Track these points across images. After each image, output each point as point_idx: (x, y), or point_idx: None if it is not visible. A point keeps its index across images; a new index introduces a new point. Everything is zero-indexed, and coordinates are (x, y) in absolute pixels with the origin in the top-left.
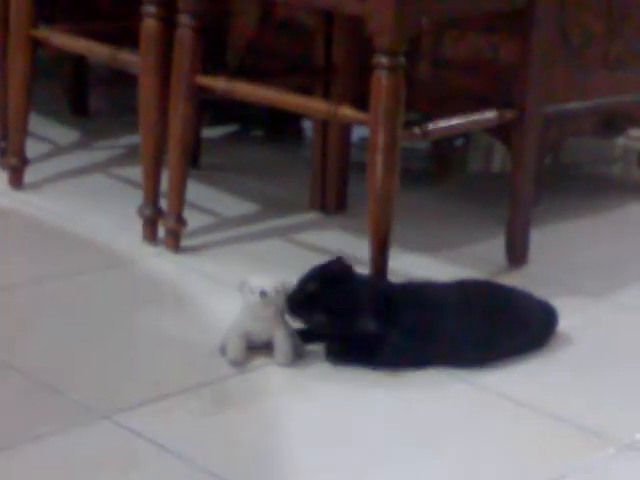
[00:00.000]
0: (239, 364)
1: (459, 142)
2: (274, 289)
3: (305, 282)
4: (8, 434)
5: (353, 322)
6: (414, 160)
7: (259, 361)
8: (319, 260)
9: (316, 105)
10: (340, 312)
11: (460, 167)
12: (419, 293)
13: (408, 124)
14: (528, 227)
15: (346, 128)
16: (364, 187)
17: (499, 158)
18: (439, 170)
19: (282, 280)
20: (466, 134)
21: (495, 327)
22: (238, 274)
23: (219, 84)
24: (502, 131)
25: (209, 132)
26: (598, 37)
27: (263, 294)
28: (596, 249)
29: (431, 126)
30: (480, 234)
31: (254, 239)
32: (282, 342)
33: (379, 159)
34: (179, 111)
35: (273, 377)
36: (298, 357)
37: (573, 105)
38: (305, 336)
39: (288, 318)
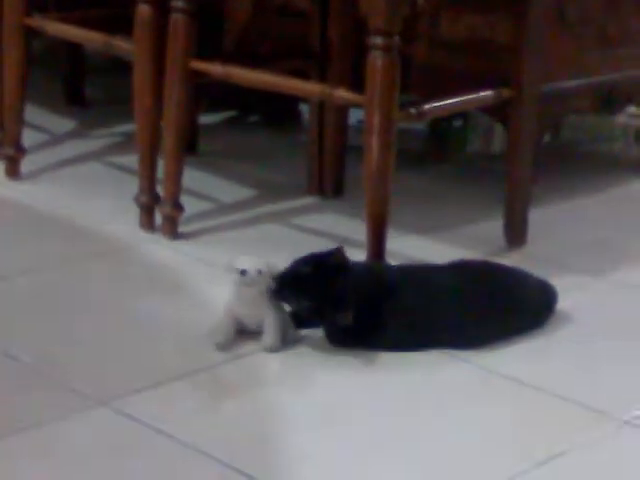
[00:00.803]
0: (223, 347)
1: (458, 123)
2: (255, 269)
3: (299, 264)
4: (6, 422)
5: (334, 314)
6: (412, 141)
7: (255, 346)
8: (317, 244)
9: (311, 87)
10: (325, 302)
11: (458, 148)
12: (417, 275)
13: (405, 106)
14: (527, 206)
15: (342, 111)
16: (361, 170)
17: (498, 139)
18: (437, 151)
19: (267, 262)
20: (465, 115)
21: (494, 307)
22: None
23: (214, 69)
24: (499, 110)
25: (206, 118)
26: (595, 14)
27: (242, 272)
28: (596, 227)
29: (427, 106)
30: (479, 215)
31: (252, 224)
32: (269, 327)
33: (375, 140)
34: (174, 96)
35: (270, 362)
36: (291, 343)
37: (571, 83)
38: (300, 321)
39: (281, 303)
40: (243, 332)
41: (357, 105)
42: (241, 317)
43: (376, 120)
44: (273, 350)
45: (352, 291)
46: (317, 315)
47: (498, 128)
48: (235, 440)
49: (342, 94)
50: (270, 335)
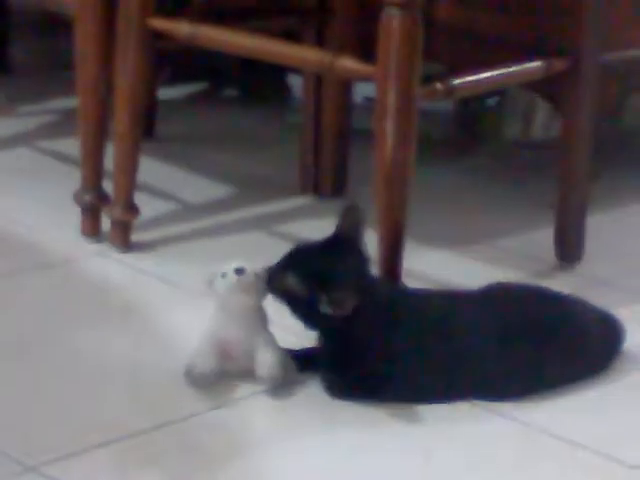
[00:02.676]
0: (205, 382)
1: (492, 102)
2: (253, 271)
3: (307, 241)
4: None
5: (329, 295)
6: (435, 127)
7: (239, 392)
8: None
9: (307, 54)
10: (316, 285)
11: (494, 134)
12: (442, 304)
13: (427, 79)
14: (583, 212)
15: (346, 86)
16: (370, 163)
17: (544, 122)
18: (467, 139)
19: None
20: (502, 91)
21: (542, 349)
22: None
23: (180, 29)
24: (549, 87)
25: (168, 92)
26: None
27: (239, 271)
28: None
29: (456, 81)
30: (521, 222)
31: (227, 231)
32: (265, 352)
33: (389, 125)
34: (128, 64)
35: (256, 415)
36: (287, 380)
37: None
38: (302, 362)
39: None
40: (225, 372)
41: (366, 78)
42: (227, 340)
43: (391, 98)
44: (273, 380)
45: (357, 276)
46: (299, 300)
47: (544, 108)
48: None
49: (346, 63)
50: (268, 361)
